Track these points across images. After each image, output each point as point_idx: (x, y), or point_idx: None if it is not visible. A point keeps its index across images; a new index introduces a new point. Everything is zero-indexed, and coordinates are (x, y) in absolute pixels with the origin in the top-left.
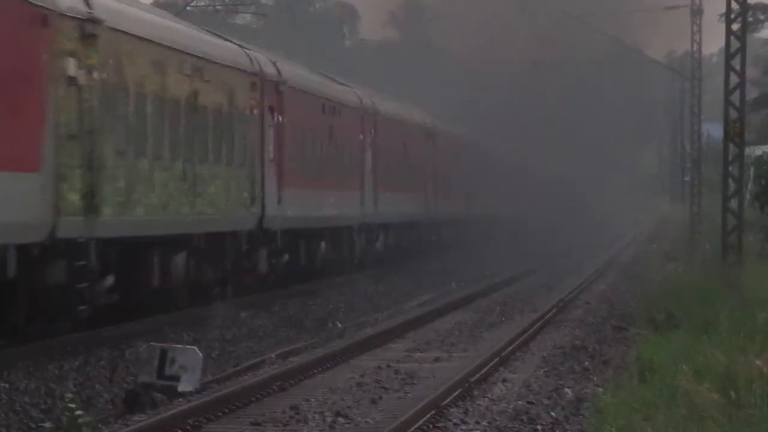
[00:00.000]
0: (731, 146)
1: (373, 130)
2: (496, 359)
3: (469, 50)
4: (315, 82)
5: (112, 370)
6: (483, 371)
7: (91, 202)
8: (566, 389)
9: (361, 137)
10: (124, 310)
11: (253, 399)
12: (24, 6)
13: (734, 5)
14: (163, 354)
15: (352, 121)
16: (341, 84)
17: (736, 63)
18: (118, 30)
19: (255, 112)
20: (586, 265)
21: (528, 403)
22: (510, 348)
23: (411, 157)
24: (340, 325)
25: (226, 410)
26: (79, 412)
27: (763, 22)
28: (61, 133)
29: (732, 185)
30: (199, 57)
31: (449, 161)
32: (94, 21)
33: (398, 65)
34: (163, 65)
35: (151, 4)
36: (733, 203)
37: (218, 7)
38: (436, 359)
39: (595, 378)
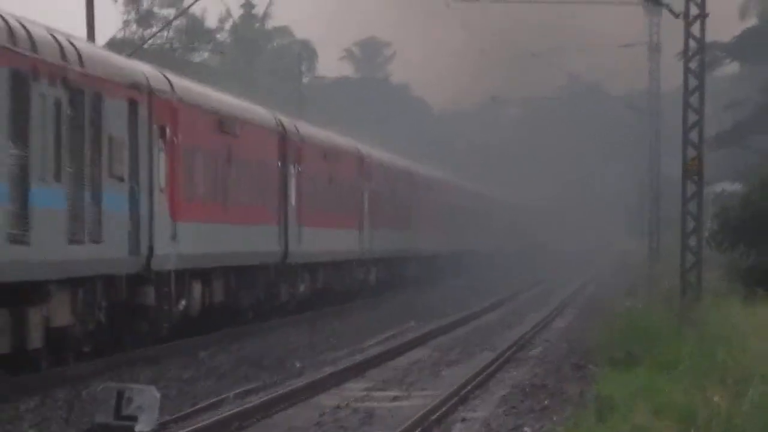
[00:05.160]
0: (690, 183)
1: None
2: (456, 398)
3: (431, 87)
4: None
5: (69, 411)
6: (442, 410)
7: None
8: (526, 428)
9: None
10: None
11: None
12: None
13: (692, 43)
14: (120, 394)
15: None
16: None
17: (695, 101)
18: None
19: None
20: (545, 302)
21: None
22: (469, 386)
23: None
24: (299, 364)
25: None
26: None
27: (721, 60)
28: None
29: (691, 222)
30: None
31: (418, 202)
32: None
33: (355, 101)
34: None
35: (107, 42)
36: (692, 240)
37: (175, 44)
38: (395, 398)
39: (554, 416)
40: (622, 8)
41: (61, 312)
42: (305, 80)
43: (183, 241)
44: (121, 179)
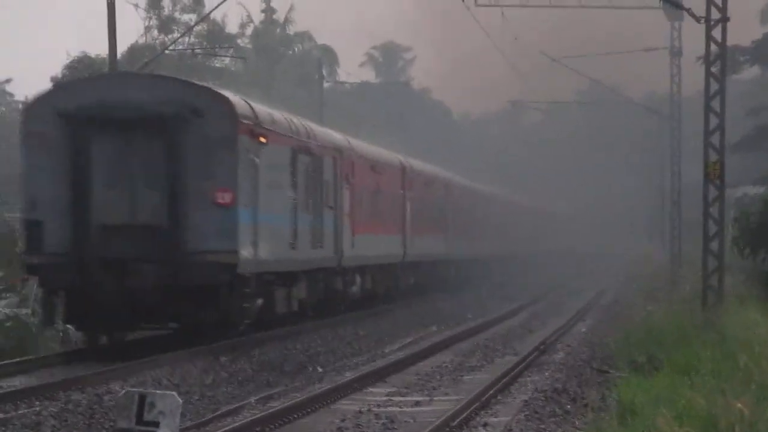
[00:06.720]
0: (711, 187)
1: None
2: (477, 403)
3: (452, 93)
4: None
5: (90, 416)
6: (464, 415)
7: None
8: None
9: None
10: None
11: None
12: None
13: (713, 47)
14: (142, 399)
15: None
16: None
17: (716, 105)
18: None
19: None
20: (567, 306)
21: None
22: (491, 391)
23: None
24: (320, 369)
25: None
26: None
27: (742, 64)
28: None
29: (713, 227)
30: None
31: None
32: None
33: (376, 105)
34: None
35: (129, 48)
36: (714, 245)
37: (197, 50)
38: (417, 403)
39: (576, 421)
40: (643, 12)
41: (302, 290)
42: (326, 85)
43: (357, 247)
44: (331, 207)
